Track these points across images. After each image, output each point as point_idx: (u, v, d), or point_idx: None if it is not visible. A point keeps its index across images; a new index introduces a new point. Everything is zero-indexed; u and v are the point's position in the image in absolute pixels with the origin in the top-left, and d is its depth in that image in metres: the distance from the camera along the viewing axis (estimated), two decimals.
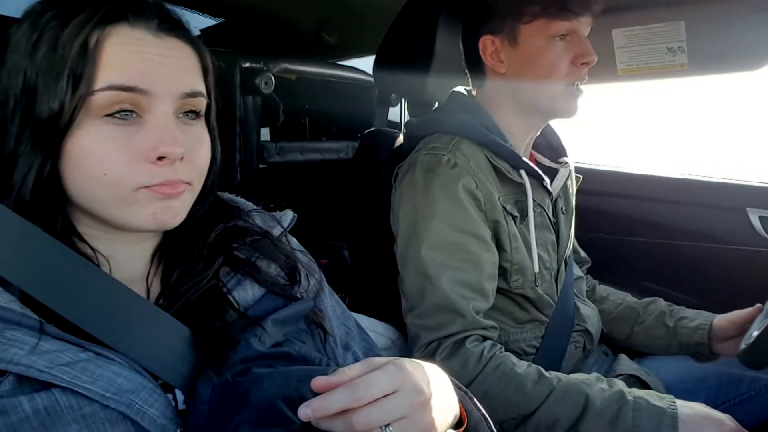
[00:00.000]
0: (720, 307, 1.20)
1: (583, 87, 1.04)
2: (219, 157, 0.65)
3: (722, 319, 1.16)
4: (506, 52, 1.04)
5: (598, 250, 1.41)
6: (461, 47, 1.13)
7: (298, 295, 0.68)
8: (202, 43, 0.61)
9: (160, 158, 0.54)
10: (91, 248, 0.57)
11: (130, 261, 0.61)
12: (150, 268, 0.62)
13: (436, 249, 0.97)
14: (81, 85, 0.52)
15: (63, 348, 0.50)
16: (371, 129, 1.35)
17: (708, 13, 1.20)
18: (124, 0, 0.55)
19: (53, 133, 0.52)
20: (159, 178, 0.54)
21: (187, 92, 0.57)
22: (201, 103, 0.59)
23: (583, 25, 1.01)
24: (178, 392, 0.55)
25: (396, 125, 1.91)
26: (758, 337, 0.92)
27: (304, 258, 0.72)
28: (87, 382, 0.49)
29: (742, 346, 0.97)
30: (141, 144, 0.54)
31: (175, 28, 0.58)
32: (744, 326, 1.10)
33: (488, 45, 1.06)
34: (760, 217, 1.48)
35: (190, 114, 0.58)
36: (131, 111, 0.54)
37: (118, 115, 0.53)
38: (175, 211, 0.57)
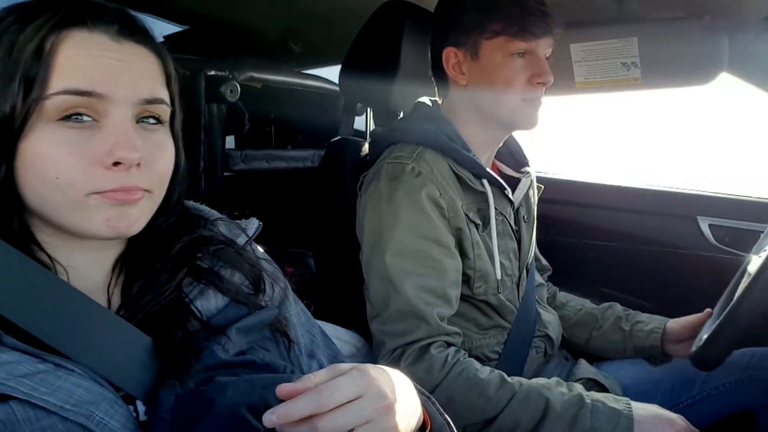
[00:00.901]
0: (673, 310, 1.25)
1: (544, 98, 1.08)
2: (183, 166, 0.64)
3: (675, 323, 1.21)
4: (468, 65, 1.07)
5: (558, 257, 1.45)
6: (429, 56, 1.15)
7: (263, 304, 0.67)
8: (166, 49, 0.61)
9: (116, 164, 0.53)
10: (49, 257, 0.56)
11: (89, 270, 0.60)
12: (111, 278, 0.61)
13: (400, 256, 0.99)
14: (34, 89, 0.51)
15: (21, 359, 0.49)
16: (337, 137, 1.36)
17: (659, 31, 1.26)
18: (83, 4, 0.55)
19: (6, 136, 0.52)
20: (113, 184, 0.53)
21: (147, 98, 0.56)
22: (162, 110, 0.58)
23: (542, 46, 1.04)
24: (139, 403, 0.54)
25: (362, 134, 1.92)
26: (707, 339, 0.96)
27: (269, 266, 0.72)
28: (45, 393, 0.48)
29: (693, 348, 1.01)
30: (96, 148, 0.53)
31: (137, 34, 0.57)
32: (695, 329, 1.15)
33: (451, 57, 1.08)
34: (710, 225, 1.55)
35: (150, 119, 0.57)
36: (87, 115, 0.53)
37: (73, 119, 0.52)
38: (132, 219, 0.56)
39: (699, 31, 1.20)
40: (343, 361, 0.79)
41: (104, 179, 0.53)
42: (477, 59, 1.06)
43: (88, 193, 0.53)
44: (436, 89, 1.17)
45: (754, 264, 0.97)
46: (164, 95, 0.59)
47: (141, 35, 0.58)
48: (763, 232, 1.08)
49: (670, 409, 0.95)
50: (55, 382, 0.49)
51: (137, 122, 0.56)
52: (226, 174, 1.65)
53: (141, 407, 0.54)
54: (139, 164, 0.54)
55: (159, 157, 0.58)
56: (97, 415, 0.49)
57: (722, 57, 1.20)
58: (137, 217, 0.56)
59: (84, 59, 0.53)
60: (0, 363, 0.48)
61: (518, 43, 1.02)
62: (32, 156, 0.52)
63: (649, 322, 1.24)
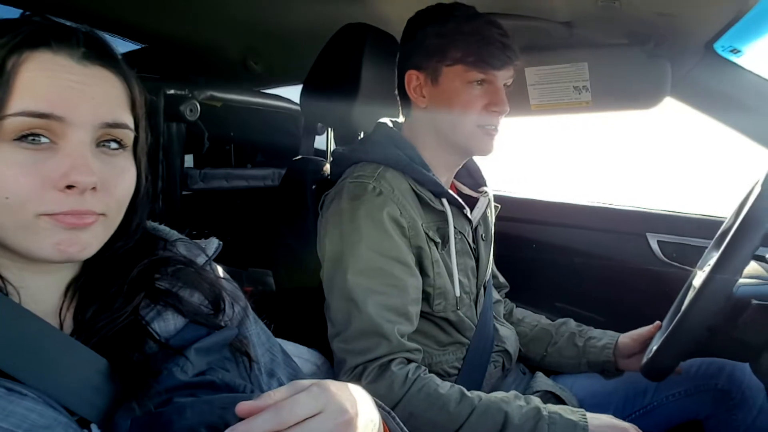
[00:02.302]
0: (625, 322, 1.29)
1: (501, 119, 1.10)
2: (144, 191, 0.63)
3: (626, 337, 1.25)
4: (428, 89, 1.10)
5: (515, 274, 1.48)
6: (388, 78, 1.17)
7: (222, 324, 0.67)
8: (134, 74, 0.60)
9: (70, 187, 0.52)
10: (1, 277, 0.54)
11: (41, 293, 0.58)
12: (63, 301, 0.59)
13: (362, 274, 0.99)
14: None
15: None
16: (298, 157, 1.37)
17: (608, 57, 1.32)
18: (49, 26, 0.55)
19: None
20: (64, 207, 0.52)
21: (109, 122, 0.55)
22: (124, 135, 0.58)
23: (501, 77, 1.07)
24: (94, 427, 0.53)
25: (322, 154, 1.93)
26: (656, 351, 1.00)
27: (228, 286, 0.72)
28: None
29: (644, 360, 1.05)
30: (51, 170, 0.52)
31: (103, 57, 0.57)
32: (645, 342, 1.19)
33: (413, 79, 1.11)
34: (659, 241, 1.61)
35: (112, 144, 0.57)
36: (45, 136, 0.52)
37: (29, 139, 0.52)
38: (83, 244, 0.54)
39: (643, 58, 1.27)
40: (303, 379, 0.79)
41: (56, 202, 0.52)
42: (437, 84, 1.08)
43: (39, 215, 0.52)
44: (399, 108, 1.19)
45: (698, 278, 1.01)
46: (127, 120, 0.58)
47: (108, 59, 0.57)
48: (707, 247, 1.14)
49: (623, 419, 0.98)
50: (7, 406, 0.48)
51: (98, 146, 0.56)
52: (184, 193, 1.63)
53: (96, 431, 0.53)
54: (94, 188, 0.54)
55: (118, 182, 0.57)
56: None
57: (666, 82, 1.27)
58: (89, 242, 0.55)
59: (44, 81, 0.52)
60: None
61: (475, 73, 1.05)
62: None
63: (602, 337, 1.28)
